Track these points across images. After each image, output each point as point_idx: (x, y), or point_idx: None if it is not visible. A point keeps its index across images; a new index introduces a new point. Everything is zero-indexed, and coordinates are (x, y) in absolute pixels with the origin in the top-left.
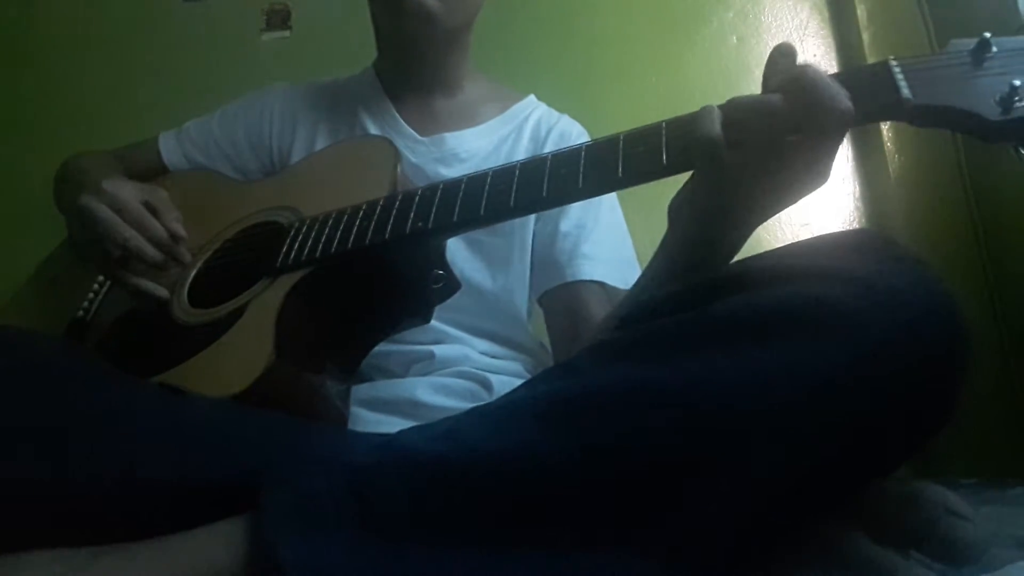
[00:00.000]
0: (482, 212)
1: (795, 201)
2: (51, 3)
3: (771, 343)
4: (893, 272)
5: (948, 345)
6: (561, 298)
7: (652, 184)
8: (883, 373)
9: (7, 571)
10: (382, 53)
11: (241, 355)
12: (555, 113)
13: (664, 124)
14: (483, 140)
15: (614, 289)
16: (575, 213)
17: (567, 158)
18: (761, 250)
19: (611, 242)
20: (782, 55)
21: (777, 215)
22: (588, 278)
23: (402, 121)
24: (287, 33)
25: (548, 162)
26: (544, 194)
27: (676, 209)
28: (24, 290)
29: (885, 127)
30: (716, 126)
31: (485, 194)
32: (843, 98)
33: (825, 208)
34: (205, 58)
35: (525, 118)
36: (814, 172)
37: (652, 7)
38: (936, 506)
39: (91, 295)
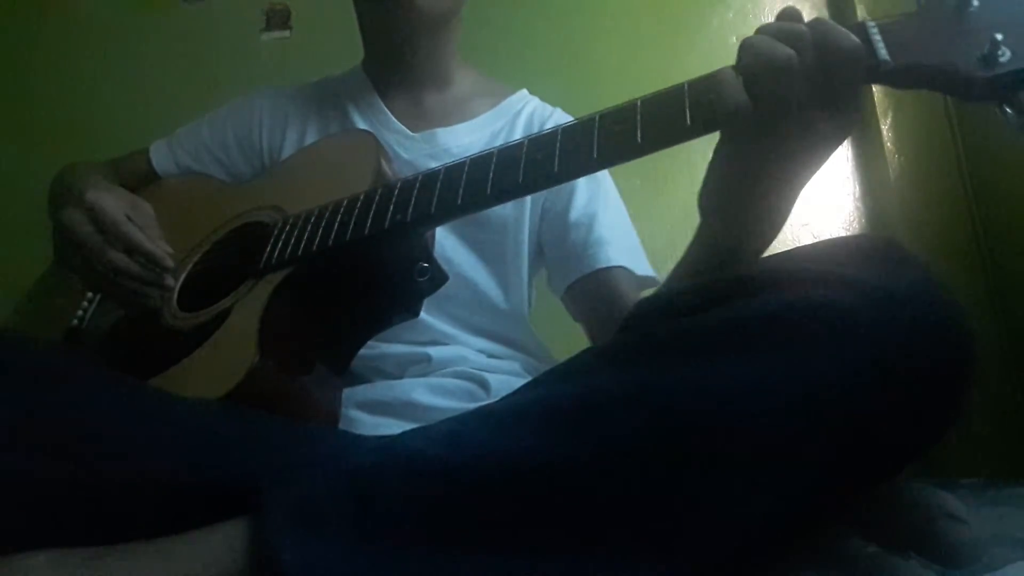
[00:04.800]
0: (459, 202)
1: (825, 156)
2: (51, 4)
3: (776, 348)
4: (899, 278)
5: (953, 352)
6: (587, 289)
7: (654, 185)
8: (888, 379)
9: (7, 571)
10: (370, 50)
11: (225, 357)
12: (548, 106)
13: (639, 102)
14: (475, 135)
15: (634, 274)
16: (581, 203)
17: (543, 142)
18: None
19: (621, 228)
20: (790, 18)
21: None
22: (608, 264)
23: (392, 118)
24: (287, 33)
25: (524, 147)
26: (520, 180)
27: (707, 197)
28: (23, 302)
29: (885, 127)
30: (743, 94)
31: (463, 183)
32: (850, 37)
33: (825, 208)
34: (205, 58)
35: (518, 112)
36: (837, 123)
37: (652, 7)
38: (932, 509)
39: (85, 304)
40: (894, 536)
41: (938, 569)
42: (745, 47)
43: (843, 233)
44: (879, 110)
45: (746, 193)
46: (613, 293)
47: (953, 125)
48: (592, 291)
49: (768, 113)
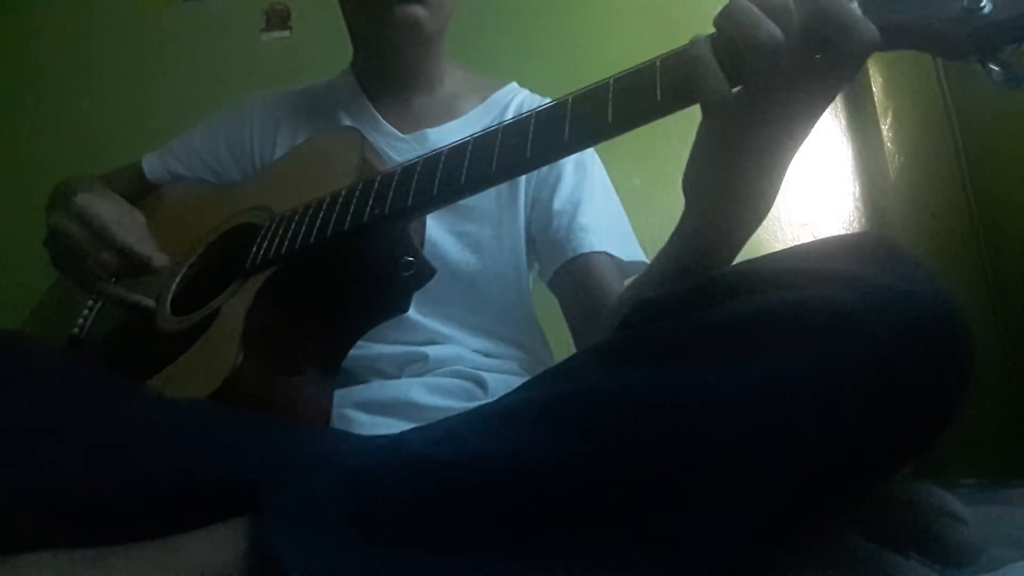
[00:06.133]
0: (435, 192)
1: (812, 124)
2: (51, 3)
3: (777, 347)
4: (897, 276)
5: (952, 350)
6: (569, 275)
7: (654, 185)
8: (887, 377)
9: (7, 571)
10: (359, 54)
11: (210, 359)
12: (538, 97)
13: (611, 81)
14: (465, 132)
15: (621, 261)
16: (566, 190)
17: (517, 127)
18: (761, 251)
19: (607, 214)
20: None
21: (777, 216)
22: (591, 249)
23: (382, 120)
24: (287, 33)
25: (499, 134)
26: (493, 167)
27: (692, 180)
28: (33, 314)
29: (885, 127)
30: (723, 83)
31: (438, 174)
32: (846, 8)
33: (825, 208)
34: (205, 58)
35: (506, 105)
36: (828, 89)
37: (652, 7)
38: (931, 508)
39: (85, 312)
40: (894, 536)
41: (938, 569)
42: (725, 17)
43: (843, 233)
44: (879, 110)
45: (729, 171)
46: (594, 279)
47: (953, 125)
48: (574, 277)
49: (752, 92)
